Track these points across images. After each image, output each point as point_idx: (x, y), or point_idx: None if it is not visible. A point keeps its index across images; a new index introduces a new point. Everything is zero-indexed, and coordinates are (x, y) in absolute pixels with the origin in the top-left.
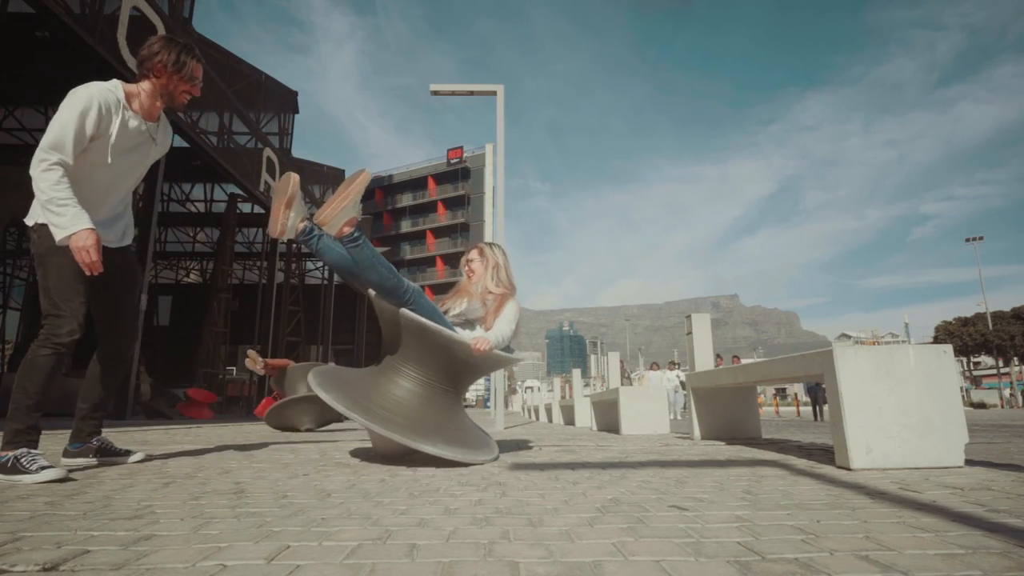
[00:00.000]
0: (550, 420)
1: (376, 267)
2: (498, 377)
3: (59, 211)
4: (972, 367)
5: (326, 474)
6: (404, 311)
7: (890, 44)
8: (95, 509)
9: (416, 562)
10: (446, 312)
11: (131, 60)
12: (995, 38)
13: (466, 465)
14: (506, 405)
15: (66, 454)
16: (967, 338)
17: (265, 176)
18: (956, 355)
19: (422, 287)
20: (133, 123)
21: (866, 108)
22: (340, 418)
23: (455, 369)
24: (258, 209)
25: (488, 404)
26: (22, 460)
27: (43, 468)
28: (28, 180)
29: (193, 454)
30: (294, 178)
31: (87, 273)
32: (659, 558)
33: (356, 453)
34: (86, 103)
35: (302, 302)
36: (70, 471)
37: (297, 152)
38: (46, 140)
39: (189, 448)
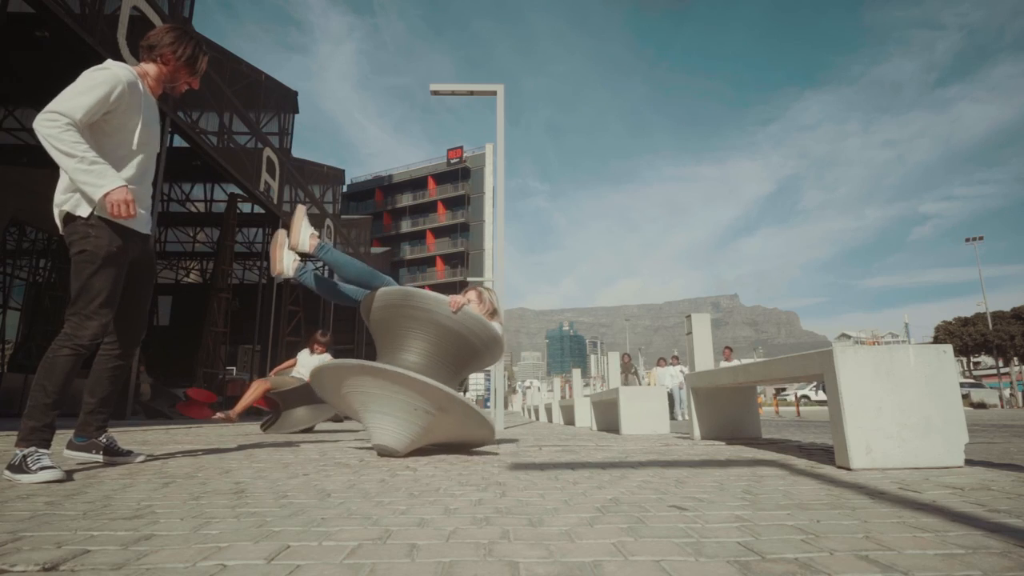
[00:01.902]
0: (550, 420)
1: (350, 263)
2: (498, 377)
3: (92, 168)
4: (972, 367)
5: (326, 474)
6: (382, 288)
7: (888, 44)
8: (95, 509)
9: (416, 562)
10: None
11: (132, 60)
12: (993, 38)
13: (467, 446)
14: (506, 405)
15: (71, 446)
16: (967, 338)
17: (265, 176)
18: (956, 355)
19: (422, 287)
20: (152, 103)
21: (864, 108)
22: (339, 417)
23: (451, 342)
24: (258, 209)
25: (488, 404)
26: (28, 459)
27: (42, 468)
28: (28, 180)
29: (193, 454)
30: (280, 234)
31: (124, 216)
32: (659, 558)
33: (356, 453)
34: (112, 78)
35: (302, 302)
36: (72, 468)
37: (296, 152)
38: (62, 104)
39: (189, 448)
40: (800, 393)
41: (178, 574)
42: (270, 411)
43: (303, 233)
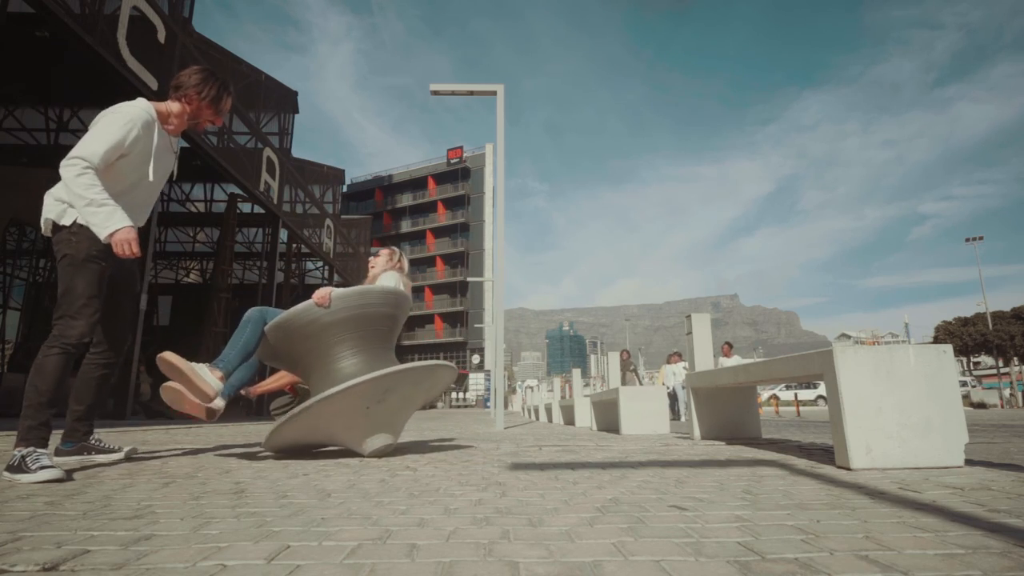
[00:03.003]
0: (550, 420)
1: (235, 343)
2: (498, 377)
3: (100, 211)
4: (972, 367)
5: (326, 474)
6: (260, 345)
7: (887, 43)
8: (95, 509)
9: (416, 562)
10: None
11: (131, 60)
12: (992, 37)
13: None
14: (506, 405)
15: (58, 453)
16: (967, 338)
17: (265, 176)
18: (956, 355)
19: (423, 287)
20: (165, 141)
21: (864, 108)
22: None
23: (357, 325)
24: (258, 209)
25: (488, 404)
26: (27, 459)
27: (42, 468)
28: (28, 180)
29: (193, 454)
30: (171, 390)
31: (129, 255)
32: (659, 558)
33: (356, 453)
34: (128, 123)
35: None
36: (72, 468)
37: (296, 152)
38: (83, 149)
39: (189, 448)
40: (770, 392)
41: (178, 574)
42: (290, 395)
43: (207, 379)
